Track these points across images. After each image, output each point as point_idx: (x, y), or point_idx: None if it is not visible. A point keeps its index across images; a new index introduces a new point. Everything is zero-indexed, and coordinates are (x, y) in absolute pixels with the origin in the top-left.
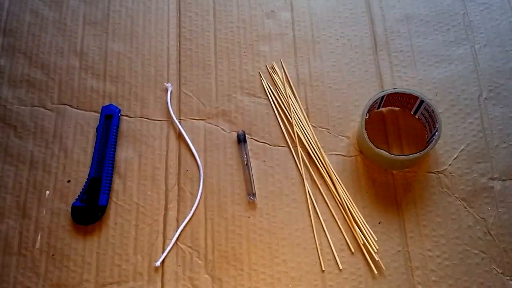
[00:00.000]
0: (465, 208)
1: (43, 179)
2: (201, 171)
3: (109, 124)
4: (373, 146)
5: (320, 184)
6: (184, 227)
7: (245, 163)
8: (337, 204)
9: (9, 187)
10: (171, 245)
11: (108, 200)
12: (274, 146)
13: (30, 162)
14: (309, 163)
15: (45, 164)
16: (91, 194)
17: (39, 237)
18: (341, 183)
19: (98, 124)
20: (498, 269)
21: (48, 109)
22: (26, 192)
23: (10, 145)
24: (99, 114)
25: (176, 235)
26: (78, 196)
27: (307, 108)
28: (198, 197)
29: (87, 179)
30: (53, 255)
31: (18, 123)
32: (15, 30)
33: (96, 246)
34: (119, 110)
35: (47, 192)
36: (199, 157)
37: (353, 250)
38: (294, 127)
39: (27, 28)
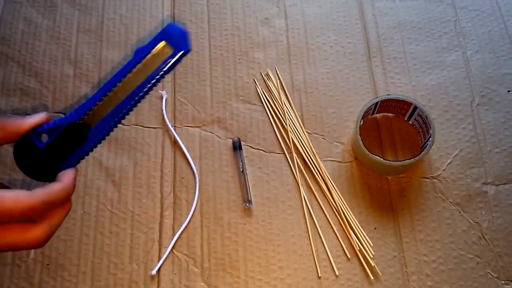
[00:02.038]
0: (460, 213)
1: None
2: (197, 178)
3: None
4: (367, 152)
5: (315, 190)
6: (180, 235)
7: (241, 170)
8: (333, 210)
9: None
10: (167, 253)
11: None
12: (270, 152)
13: None
14: (304, 170)
15: None
16: (64, 141)
17: None
18: (336, 189)
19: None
20: (493, 274)
21: None
22: None
23: (3, 154)
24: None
25: (172, 243)
26: (43, 128)
27: (302, 115)
28: (194, 205)
29: (65, 117)
30: (48, 264)
31: None
32: (8, 39)
33: (91, 255)
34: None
35: None
36: (194, 165)
37: (349, 256)
38: (289, 133)
39: (21, 36)
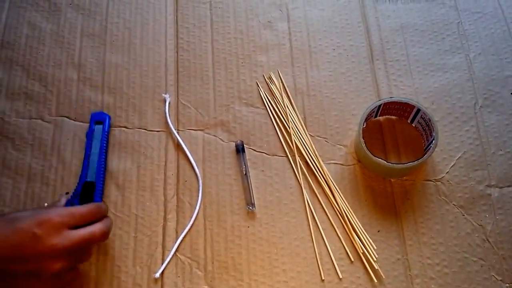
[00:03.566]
0: (463, 215)
1: (41, 192)
2: (200, 181)
3: (98, 129)
4: (370, 155)
5: (318, 193)
6: (183, 237)
7: (244, 173)
8: (336, 213)
9: (7, 200)
10: (170, 256)
11: None
12: (273, 155)
13: (28, 174)
14: (307, 172)
15: (43, 176)
16: (84, 199)
17: None
18: (339, 192)
19: (88, 130)
20: (497, 276)
21: (46, 121)
22: (24, 204)
23: (8, 158)
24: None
25: (175, 246)
26: (68, 200)
27: (304, 118)
28: (197, 208)
29: (79, 182)
30: None
31: (16, 135)
32: (13, 43)
33: (95, 258)
34: (109, 117)
35: (45, 204)
36: (197, 168)
37: (352, 259)
38: (292, 136)
39: (25, 40)
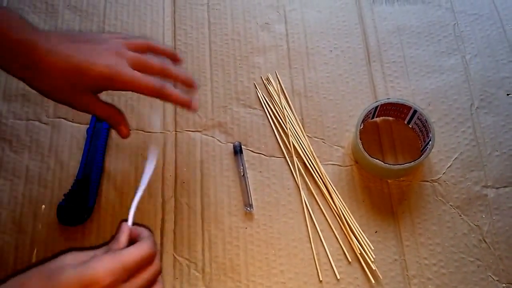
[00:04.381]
0: (460, 216)
1: (38, 193)
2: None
3: (99, 126)
4: (367, 156)
5: (316, 194)
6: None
7: (242, 174)
8: (334, 214)
9: (4, 201)
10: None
11: (95, 202)
12: (270, 156)
13: (26, 176)
14: (305, 173)
15: (40, 178)
16: (78, 195)
17: (35, 252)
18: (337, 192)
19: (88, 126)
20: (494, 277)
21: (44, 123)
22: (22, 206)
23: (6, 160)
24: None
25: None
26: (64, 196)
27: (302, 119)
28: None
29: (75, 179)
30: None
31: (13, 137)
32: None
33: None
34: None
35: (43, 206)
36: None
37: (350, 260)
38: (290, 137)
39: None
